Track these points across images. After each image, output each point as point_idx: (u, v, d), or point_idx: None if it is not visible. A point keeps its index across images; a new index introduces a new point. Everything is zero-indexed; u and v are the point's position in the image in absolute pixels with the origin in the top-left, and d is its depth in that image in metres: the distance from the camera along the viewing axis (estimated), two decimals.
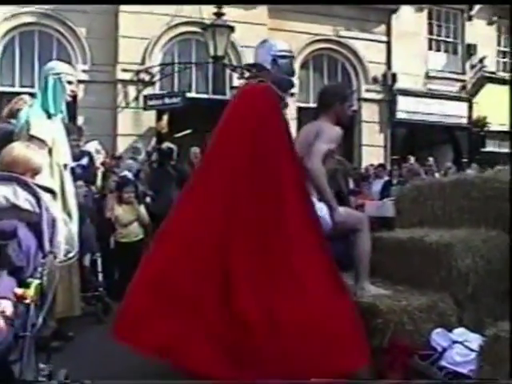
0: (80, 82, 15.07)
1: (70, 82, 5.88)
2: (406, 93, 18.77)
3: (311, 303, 4.26)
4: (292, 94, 16.31)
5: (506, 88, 20.10)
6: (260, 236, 4.45)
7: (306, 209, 4.70)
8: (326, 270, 4.52)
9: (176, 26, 15.92)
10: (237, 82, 15.08)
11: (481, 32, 20.37)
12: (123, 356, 5.21)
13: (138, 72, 15.53)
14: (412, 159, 15.17)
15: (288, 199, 4.62)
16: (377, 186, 12.53)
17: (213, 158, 4.89)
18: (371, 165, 14.81)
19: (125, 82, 15.60)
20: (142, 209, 8.15)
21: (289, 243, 4.48)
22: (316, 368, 4.05)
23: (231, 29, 14.22)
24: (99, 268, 7.31)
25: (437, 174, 12.60)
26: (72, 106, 14.92)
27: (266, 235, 4.46)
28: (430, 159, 14.99)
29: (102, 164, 9.85)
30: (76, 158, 6.97)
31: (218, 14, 14.13)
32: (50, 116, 5.70)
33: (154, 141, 14.74)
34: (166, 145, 9.69)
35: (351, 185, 11.01)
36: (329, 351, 4.15)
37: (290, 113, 15.13)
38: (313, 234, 4.63)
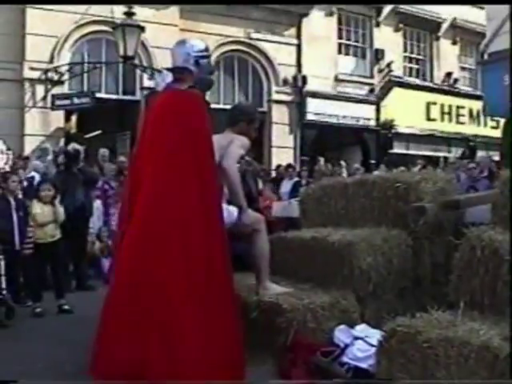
0: None
1: None
2: (316, 95, 19.09)
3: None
4: None
5: (411, 92, 20.83)
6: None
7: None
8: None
9: (85, 24, 15.62)
10: (147, 83, 14.96)
11: (388, 38, 21.01)
12: (27, 360, 5.12)
13: (46, 71, 15.15)
14: (322, 160, 15.43)
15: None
16: (286, 186, 12.68)
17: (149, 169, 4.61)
18: (280, 165, 14.99)
19: (32, 81, 15.17)
20: (61, 210, 7.85)
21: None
22: None
23: (142, 29, 14.10)
24: (2, 271, 7.12)
25: (345, 175, 12.81)
26: None
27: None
28: (342, 162, 15.27)
29: (6, 164, 9.65)
30: None
31: (129, 14, 13.99)
32: None
33: (62, 141, 14.44)
34: (72, 146, 9.52)
35: (260, 185, 11.13)
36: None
37: None
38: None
